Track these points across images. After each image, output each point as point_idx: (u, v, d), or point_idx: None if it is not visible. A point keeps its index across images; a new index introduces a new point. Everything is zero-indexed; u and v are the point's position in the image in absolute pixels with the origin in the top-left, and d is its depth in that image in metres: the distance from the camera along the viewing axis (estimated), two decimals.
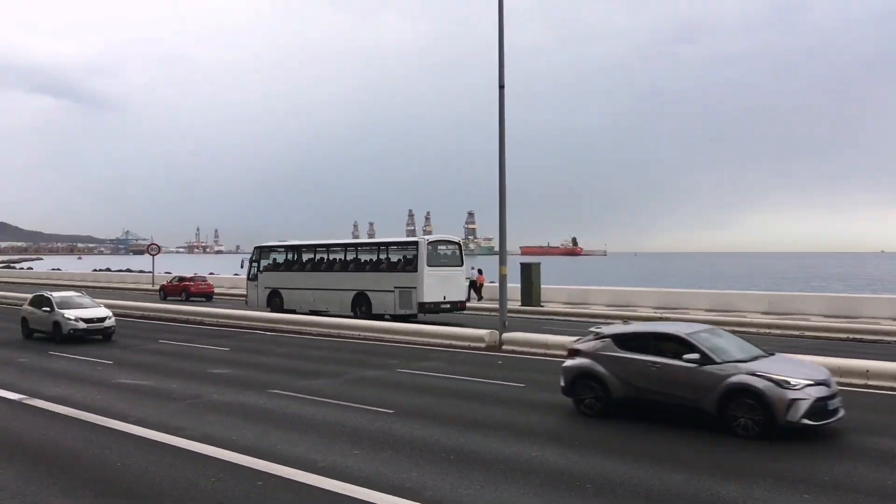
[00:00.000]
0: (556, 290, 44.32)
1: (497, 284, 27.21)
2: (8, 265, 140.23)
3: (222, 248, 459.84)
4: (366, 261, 34.26)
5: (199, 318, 33.70)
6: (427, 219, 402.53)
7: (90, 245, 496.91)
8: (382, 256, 33.98)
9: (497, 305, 27.00)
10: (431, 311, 32.07)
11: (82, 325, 26.05)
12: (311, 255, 36.71)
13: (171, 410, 15.18)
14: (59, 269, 75.10)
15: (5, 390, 17.26)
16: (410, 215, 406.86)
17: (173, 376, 19.12)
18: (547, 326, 30.23)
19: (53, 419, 14.54)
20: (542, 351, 22.78)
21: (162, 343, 25.93)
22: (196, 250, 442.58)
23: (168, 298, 50.00)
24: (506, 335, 24.50)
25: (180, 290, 50.71)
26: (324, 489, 10.01)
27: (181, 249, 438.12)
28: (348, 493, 9.80)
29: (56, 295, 27.76)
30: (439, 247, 33.27)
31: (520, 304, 39.35)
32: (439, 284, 32.05)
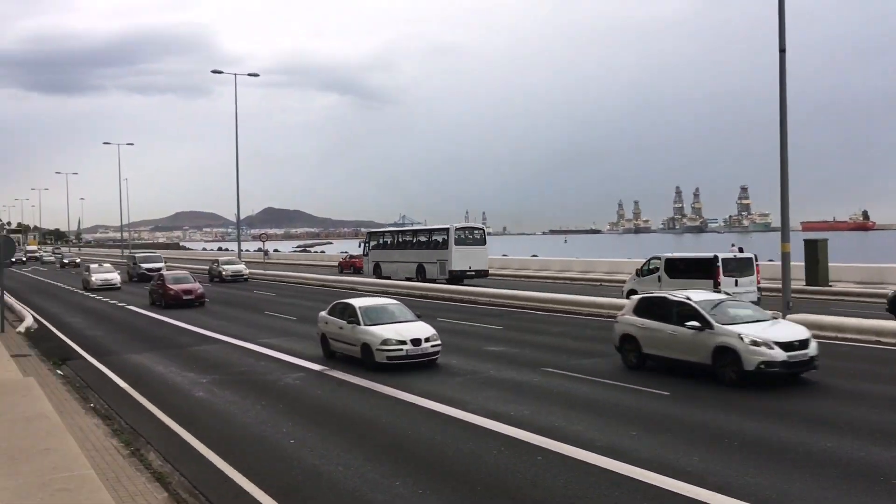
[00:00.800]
0: (846, 268, 40.40)
1: (777, 263, 25.42)
2: (304, 249, 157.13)
3: (490, 231, 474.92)
4: (422, 241, 47.79)
5: (472, 298, 35.20)
6: (696, 195, 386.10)
7: (373, 229, 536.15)
8: (432, 238, 46.74)
9: (778, 285, 25.23)
10: (458, 278, 43.61)
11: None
12: (395, 238, 51.65)
13: (452, 384, 16.06)
14: (346, 252, 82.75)
15: (310, 362, 19.25)
16: (678, 192, 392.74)
17: (453, 353, 20.15)
18: (836, 308, 27.75)
19: (351, 389, 15.99)
20: (832, 334, 20.96)
21: (440, 321, 27.42)
22: None
23: (343, 272, 61.57)
24: (790, 317, 22.85)
25: (349, 265, 63.56)
26: (603, 468, 10.06)
27: None
28: (628, 474, 9.76)
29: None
30: (465, 231, 45.82)
31: (804, 283, 36.47)
32: (464, 258, 44.20)
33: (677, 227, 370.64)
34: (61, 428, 4.37)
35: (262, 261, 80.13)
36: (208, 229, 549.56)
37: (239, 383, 17.00)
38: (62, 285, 55.47)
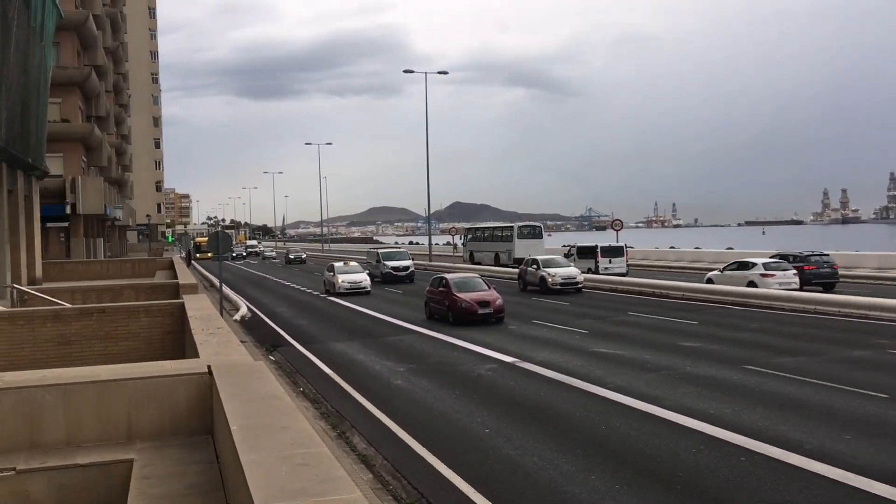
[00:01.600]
0: None
1: None
2: None
3: (680, 223, 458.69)
4: (497, 236, 60.36)
5: (664, 292, 34.22)
6: None
7: (557, 222, 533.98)
8: (503, 234, 59.20)
9: None
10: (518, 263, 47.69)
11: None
12: (482, 233, 64.35)
13: (647, 380, 15.73)
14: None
15: (502, 353, 19.56)
16: (892, 178, 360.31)
17: (646, 347, 19.73)
18: None
19: (543, 382, 16.09)
20: None
21: (631, 315, 26.91)
22: (654, 225, 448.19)
23: None
24: None
25: None
26: (814, 473, 9.50)
27: (640, 224, 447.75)
28: (843, 481, 9.17)
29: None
30: (524, 228, 58.02)
31: None
32: (525, 248, 52.86)
33: (892, 216, 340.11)
34: (293, 408, 4.75)
35: (451, 254, 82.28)
36: (399, 224, 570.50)
37: (434, 373, 17.58)
38: (296, 286, 48.10)
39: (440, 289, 27.56)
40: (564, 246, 61.43)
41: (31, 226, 32.31)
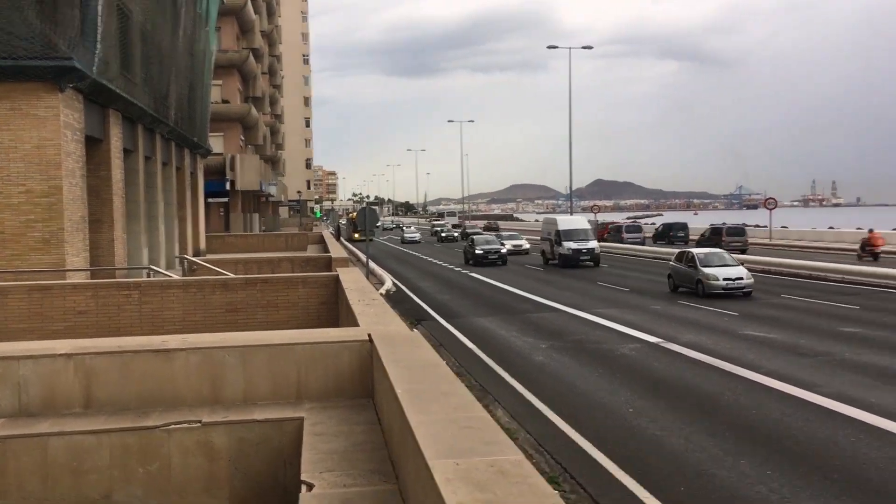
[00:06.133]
0: None
1: None
2: (634, 220, 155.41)
3: (840, 201, 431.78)
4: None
5: (820, 274, 32.49)
6: None
7: (705, 201, 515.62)
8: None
9: None
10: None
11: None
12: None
13: (801, 365, 15.11)
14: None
15: (646, 333, 19.29)
16: None
17: (801, 332, 18.89)
18: None
19: (689, 363, 15.77)
20: None
21: (785, 297, 25.76)
22: (812, 204, 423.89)
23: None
24: None
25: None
26: None
27: (796, 203, 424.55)
28: None
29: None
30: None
31: None
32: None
33: None
34: (452, 375, 5.00)
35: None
36: (539, 201, 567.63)
37: (576, 350, 17.59)
38: (439, 261, 50.81)
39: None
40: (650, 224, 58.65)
41: (196, 201, 34.66)
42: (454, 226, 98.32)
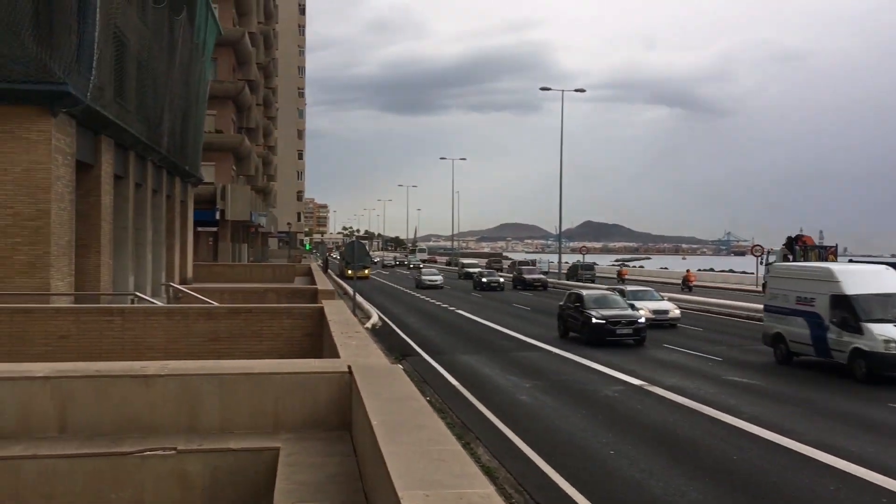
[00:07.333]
0: None
1: None
2: (623, 263, 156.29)
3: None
4: None
5: None
6: None
7: (693, 245, 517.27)
8: None
9: None
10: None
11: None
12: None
13: (783, 412, 15.12)
14: (665, 269, 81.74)
15: (630, 376, 19.28)
16: None
17: (784, 378, 18.95)
18: None
19: (671, 407, 15.76)
20: None
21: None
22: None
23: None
24: None
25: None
26: None
27: None
28: None
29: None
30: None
31: None
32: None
33: None
34: (428, 408, 5.02)
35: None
36: (529, 241, 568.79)
37: (559, 391, 17.55)
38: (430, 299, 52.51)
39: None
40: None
41: (186, 229, 34.59)
42: (424, 261, 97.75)
